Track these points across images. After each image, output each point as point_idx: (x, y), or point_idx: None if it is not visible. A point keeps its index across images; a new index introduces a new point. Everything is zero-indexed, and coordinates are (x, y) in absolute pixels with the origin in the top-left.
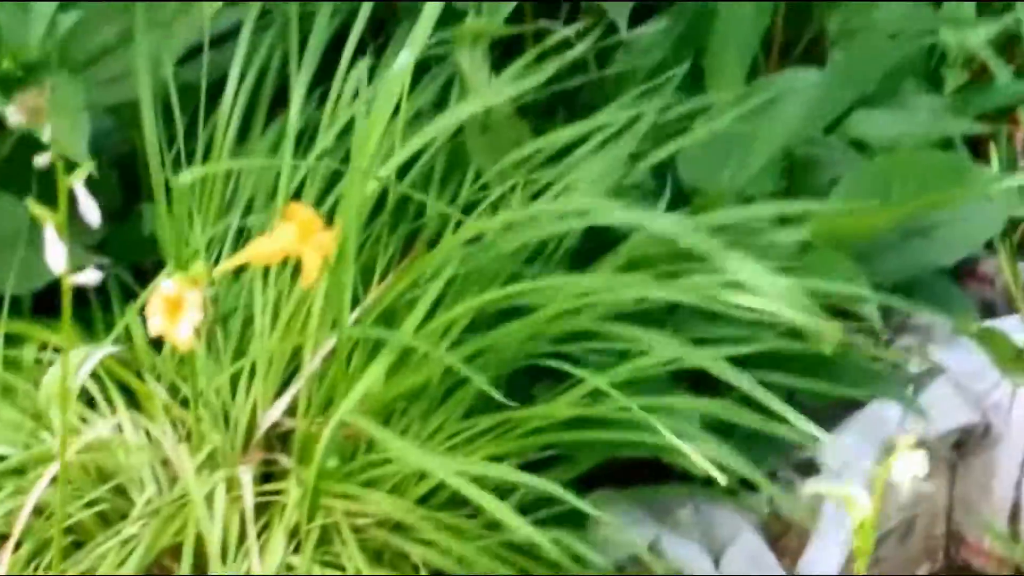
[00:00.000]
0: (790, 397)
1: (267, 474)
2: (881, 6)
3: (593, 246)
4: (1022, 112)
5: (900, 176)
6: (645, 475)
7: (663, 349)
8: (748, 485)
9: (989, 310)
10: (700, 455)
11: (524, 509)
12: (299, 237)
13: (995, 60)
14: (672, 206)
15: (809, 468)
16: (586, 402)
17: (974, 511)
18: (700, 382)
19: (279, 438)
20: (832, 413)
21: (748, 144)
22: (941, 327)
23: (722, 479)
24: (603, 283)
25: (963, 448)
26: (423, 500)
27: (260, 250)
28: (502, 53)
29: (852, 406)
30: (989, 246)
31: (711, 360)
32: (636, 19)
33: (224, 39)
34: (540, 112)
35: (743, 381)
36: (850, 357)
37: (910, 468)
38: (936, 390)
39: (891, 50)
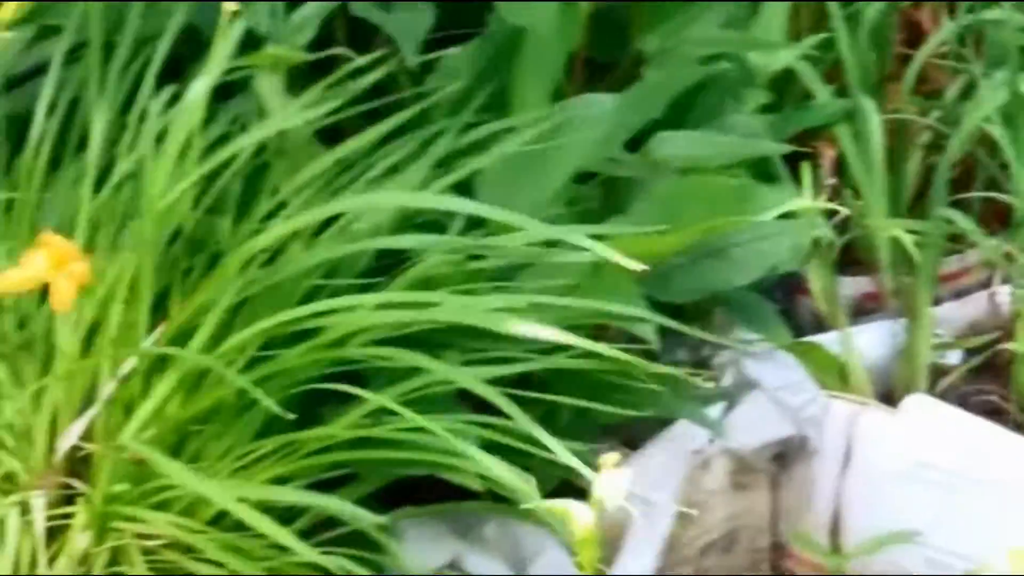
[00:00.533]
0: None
1: (69, 497)
2: (693, 28)
3: (390, 263)
4: (839, 130)
5: (689, 198)
6: (454, 492)
7: (436, 370)
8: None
9: (820, 324)
10: (480, 472)
11: (326, 527)
12: (51, 265)
13: (814, 79)
14: (471, 226)
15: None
16: (368, 422)
17: (797, 523)
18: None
19: (80, 461)
20: (647, 427)
21: (545, 166)
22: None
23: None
24: (390, 303)
25: (783, 461)
26: (214, 521)
27: (9, 279)
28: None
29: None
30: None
31: (474, 381)
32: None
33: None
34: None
35: (502, 402)
36: (653, 375)
37: (615, 485)
38: (751, 404)
39: (690, 72)
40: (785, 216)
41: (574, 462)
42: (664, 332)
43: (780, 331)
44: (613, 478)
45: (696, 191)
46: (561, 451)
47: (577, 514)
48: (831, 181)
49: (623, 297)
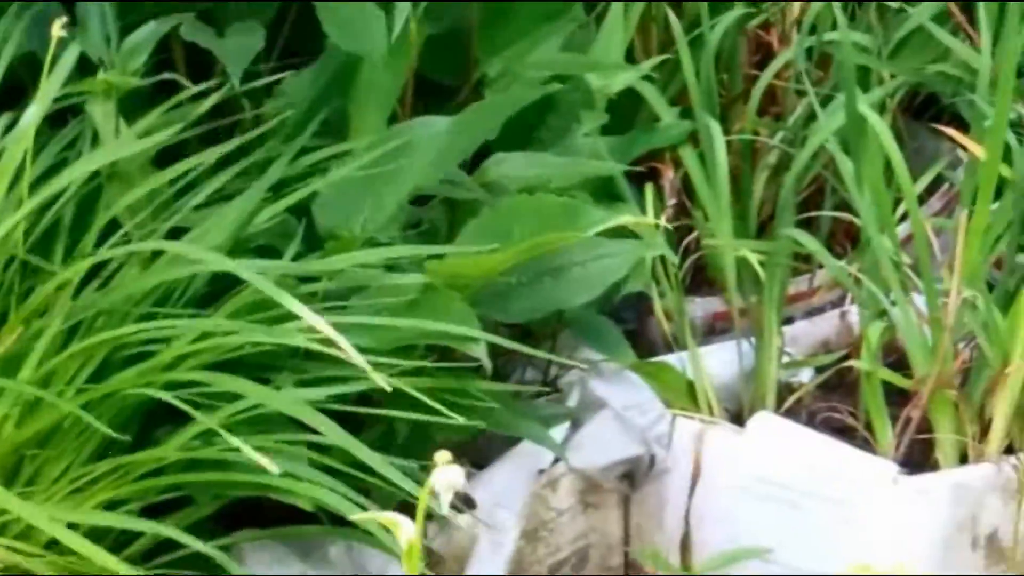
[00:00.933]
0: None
1: None
2: (535, 51)
3: (225, 286)
4: (683, 151)
5: (519, 218)
6: (300, 514)
7: (251, 394)
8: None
9: (671, 344)
10: (309, 493)
11: (168, 549)
12: None
13: (659, 101)
14: (308, 249)
15: (467, 502)
16: (199, 444)
17: (648, 541)
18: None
19: None
20: (496, 447)
21: (381, 189)
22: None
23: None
24: (216, 327)
25: (632, 480)
26: (50, 545)
27: None
28: None
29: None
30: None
31: (288, 403)
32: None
33: None
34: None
35: (316, 422)
36: (494, 394)
37: (448, 486)
38: (598, 424)
39: (523, 94)
40: (627, 236)
41: (396, 477)
42: (511, 352)
43: (625, 351)
44: (445, 477)
45: (525, 210)
46: (385, 468)
47: (403, 526)
48: (672, 202)
49: (455, 317)
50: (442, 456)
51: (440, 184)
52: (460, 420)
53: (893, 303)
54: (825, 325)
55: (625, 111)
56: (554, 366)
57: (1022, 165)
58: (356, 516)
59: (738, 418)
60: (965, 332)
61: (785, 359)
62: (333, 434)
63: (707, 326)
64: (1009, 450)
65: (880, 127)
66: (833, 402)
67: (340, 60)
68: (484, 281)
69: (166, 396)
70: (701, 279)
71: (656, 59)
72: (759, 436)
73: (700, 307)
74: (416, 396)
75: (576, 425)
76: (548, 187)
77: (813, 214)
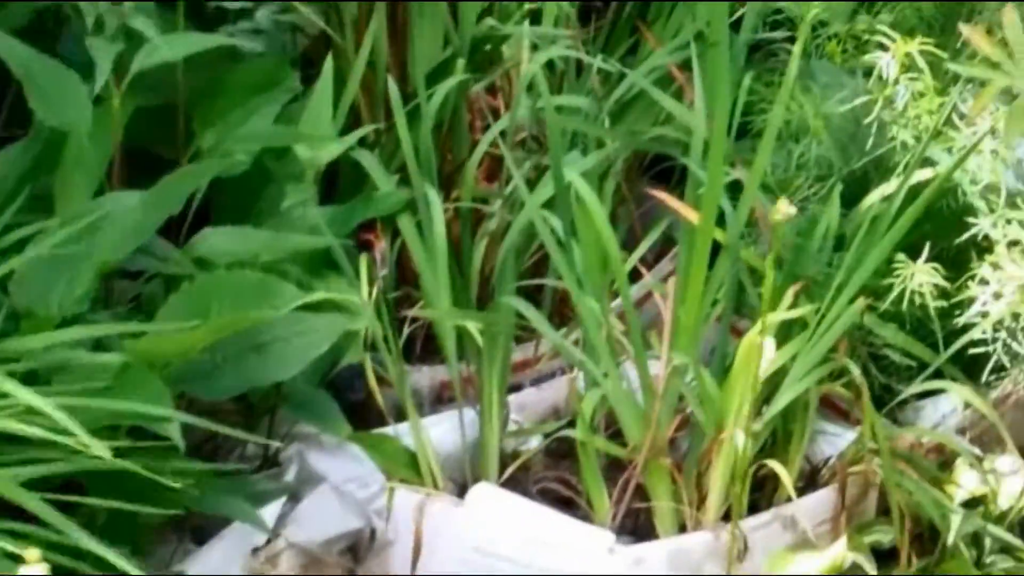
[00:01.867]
0: None
1: None
2: (247, 123)
3: None
4: (401, 220)
5: (218, 296)
6: None
7: None
8: None
9: (400, 414)
10: None
11: None
12: None
13: (377, 170)
14: (5, 328)
15: None
16: None
17: None
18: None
19: None
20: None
21: (77, 265)
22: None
23: None
24: None
25: (355, 553)
26: None
27: None
28: None
29: None
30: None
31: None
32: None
33: None
34: None
35: (31, 503)
36: (202, 473)
37: None
38: (317, 498)
39: (210, 165)
40: (341, 308)
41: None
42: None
43: (340, 424)
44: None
45: (223, 287)
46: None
47: None
48: (384, 272)
49: (150, 396)
50: (31, 554)
51: (149, 259)
52: (165, 502)
53: (605, 374)
54: (553, 392)
55: (347, 180)
56: (275, 441)
57: (736, 230)
58: None
59: (464, 489)
60: (682, 399)
61: (513, 427)
62: (47, 515)
63: (435, 395)
64: (728, 516)
65: (588, 194)
66: (562, 470)
67: (47, 134)
68: (185, 359)
69: None
70: (432, 347)
71: (366, 128)
72: (478, 507)
73: (427, 376)
74: (123, 478)
75: (296, 499)
76: (258, 261)
77: (537, 282)
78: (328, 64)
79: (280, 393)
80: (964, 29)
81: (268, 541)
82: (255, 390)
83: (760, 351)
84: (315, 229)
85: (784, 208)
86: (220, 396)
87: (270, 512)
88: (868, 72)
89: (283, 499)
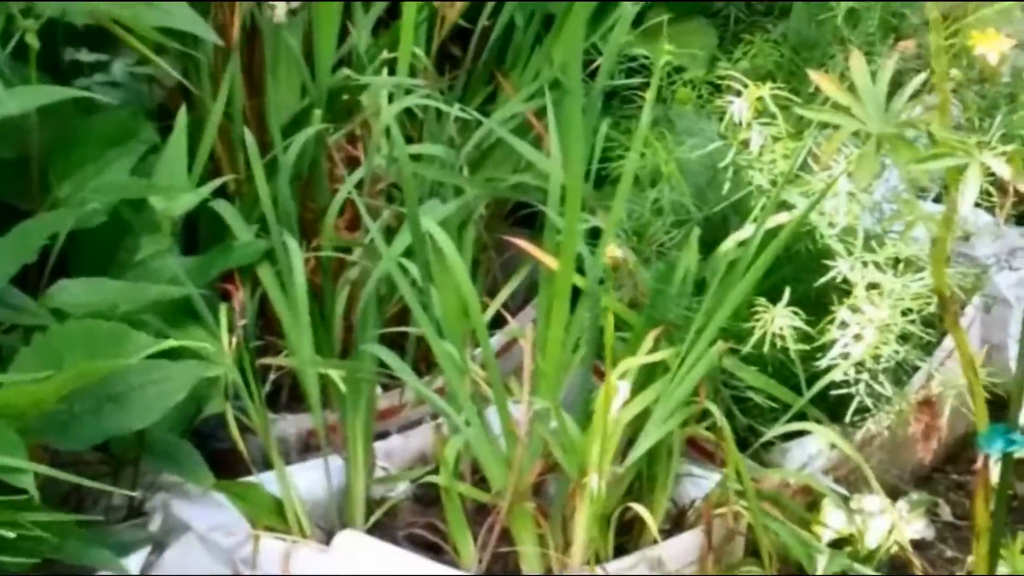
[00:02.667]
0: None
1: None
2: (104, 175)
3: None
4: (262, 270)
5: (70, 346)
6: None
7: None
8: None
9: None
10: None
11: None
12: None
13: (236, 220)
14: None
15: None
16: None
17: None
18: None
19: None
20: None
21: None
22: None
23: None
24: None
25: None
26: None
27: None
28: None
29: None
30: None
31: None
32: None
33: None
34: None
35: None
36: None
37: None
38: (182, 547)
39: (61, 216)
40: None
41: None
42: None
43: (203, 473)
44: None
45: (75, 337)
46: None
47: None
48: (243, 321)
49: (5, 448)
50: None
51: (4, 309)
52: (21, 551)
53: (467, 420)
54: (420, 438)
55: (213, 230)
56: (140, 490)
57: (595, 276)
58: None
59: (332, 536)
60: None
61: (380, 474)
62: None
63: (302, 443)
64: (597, 559)
65: (446, 242)
66: (430, 516)
67: None
68: (40, 410)
69: None
70: (298, 395)
71: (224, 178)
72: (344, 554)
73: (293, 424)
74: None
75: (161, 548)
76: (116, 312)
77: (399, 329)
78: (182, 115)
79: (143, 443)
80: (813, 75)
81: None
82: (118, 440)
83: (614, 394)
84: (174, 279)
85: (614, 251)
86: (78, 447)
87: (135, 561)
88: (724, 117)
89: (148, 548)
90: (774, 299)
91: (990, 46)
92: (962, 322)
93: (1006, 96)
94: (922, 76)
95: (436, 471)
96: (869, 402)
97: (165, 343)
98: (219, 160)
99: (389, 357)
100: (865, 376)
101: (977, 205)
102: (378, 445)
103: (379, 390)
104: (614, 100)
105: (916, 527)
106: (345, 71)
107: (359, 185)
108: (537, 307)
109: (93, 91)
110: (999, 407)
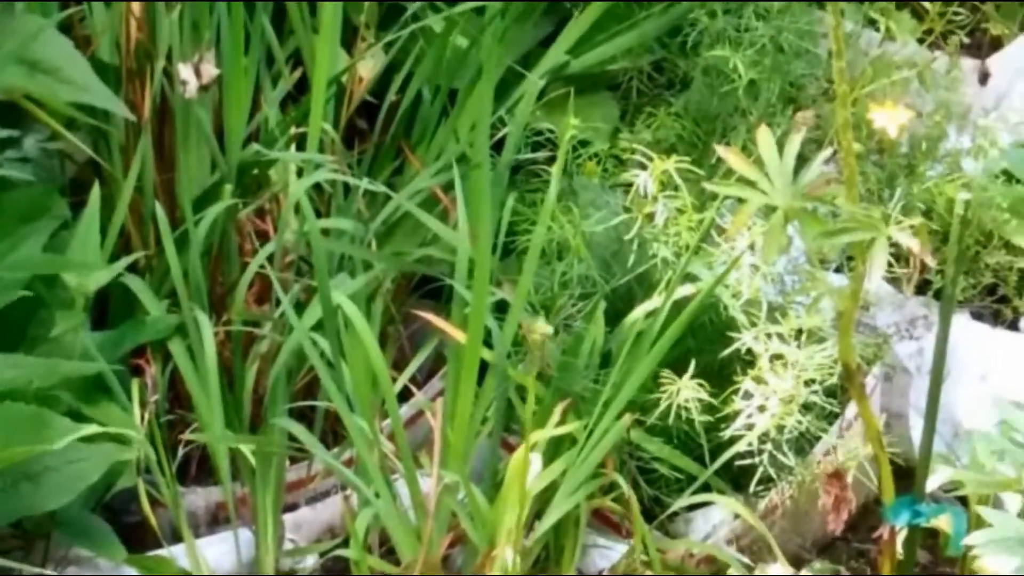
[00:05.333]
0: None
1: None
2: (17, 250)
3: None
4: (173, 344)
5: None
6: None
7: None
8: None
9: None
10: None
11: None
12: None
13: (147, 295)
14: None
15: None
16: None
17: None
18: None
19: None
20: None
21: None
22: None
23: None
24: None
25: None
26: None
27: None
28: None
29: None
30: None
31: None
32: None
33: None
34: None
35: None
36: None
37: None
38: None
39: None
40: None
41: None
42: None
43: (114, 547)
44: None
45: None
46: None
47: None
48: (155, 397)
49: None
50: None
51: None
52: None
53: (376, 493)
54: (329, 511)
55: (124, 305)
56: (49, 566)
57: (503, 349)
58: None
59: None
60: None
61: (289, 546)
62: None
63: (212, 516)
64: None
65: (355, 316)
66: None
67: None
68: None
69: None
70: (208, 468)
71: (136, 255)
72: None
73: (203, 497)
74: None
75: None
76: (30, 388)
77: (308, 403)
78: (95, 191)
79: (55, 518)
80: (720, 150)
81: None
82: (29, 517)
83: (528, 467)
84: (86, 355)
85: (541, 327)
86: None
87: None
88: (629, 189)
89: None
90: (679, 370)
91: (889, 118)
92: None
93: (904, 167)
94: (828, 152)
95: (345, 543)
96: (772, 472)
97: (86, 428)
98: (130, 235)
99: (298, 430)
100: (769, 446)
101: None
102: (287, 517)
103: (288, 462)
104: (520, 173)
105: None
106: (255, 146)
107: (269, 259)
108: (445, 380)
109: (4, 168)
110: (898, 476)
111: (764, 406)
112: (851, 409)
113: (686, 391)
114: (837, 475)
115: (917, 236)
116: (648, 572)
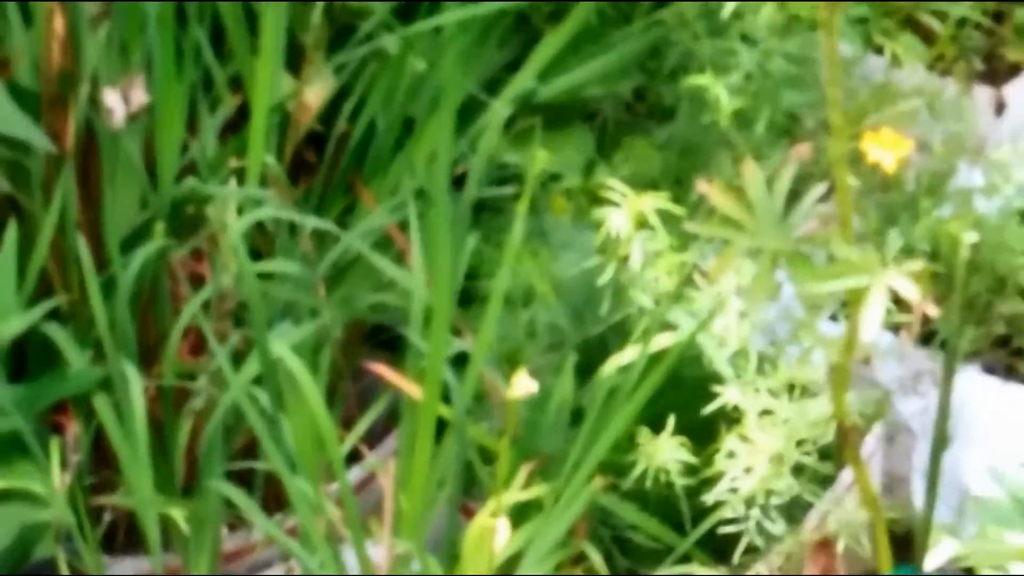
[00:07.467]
0: None
1: None
2: None
3: None
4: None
5: None
6: None
7: None
8: None
9: None
10: None
11: None
12: None
13: (70, 346)
14: None
15: None
16: None
17: None
18: None
19: None
20: None
21: None
22: None
23: None
24: None
25: None
26: None
27: None
28: None
29: None
30: None
31: None
32: None
33: None
34: None
35: None
36: None
37: None
38: None
39: None
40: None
41: None
42: None
43: None
44: None
45: None
46: None
47: None
48: (76, 458)
49: None
50: None
51: None
52: None
53: (321, 563)
54: None
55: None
56: None
57: (463, 405)
58: None
59: None
60: None
61: None
62: None
63: None
64: None
65: (299, 369)
66: None
67: None
68: None
69: None
70: (137, 536)
71: (57, 300)
72: None
73: (131, 567)
74: None
75: None
76: None
77: (248, 464)
78: (12, 230)
79: None
80: (701, 186)
81: None
82: None
83: (492, 535)
84: (1, 410)
85: (524, 384)
86: None
87: None
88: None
89: None
90: (657, 428)
91: (886, 151)
92: (863, 453)
93: (908, 205)
94: (821, 188)
95: None
96: (759, 541)
97: None
98: (51, 278)
99: (236, 495)
100: (756, 512)
101: None
102: None
103: (225, 530)
104: (484, 212)
105: None
106: (190, 180)
107: (205, 306)
108: (399, 439)
109: None
110: (901, 547)
111: (751, 467)
112: (848, 473)
113: (665, 451)
114: (825, 545)
115: (917, 282)
116: None
